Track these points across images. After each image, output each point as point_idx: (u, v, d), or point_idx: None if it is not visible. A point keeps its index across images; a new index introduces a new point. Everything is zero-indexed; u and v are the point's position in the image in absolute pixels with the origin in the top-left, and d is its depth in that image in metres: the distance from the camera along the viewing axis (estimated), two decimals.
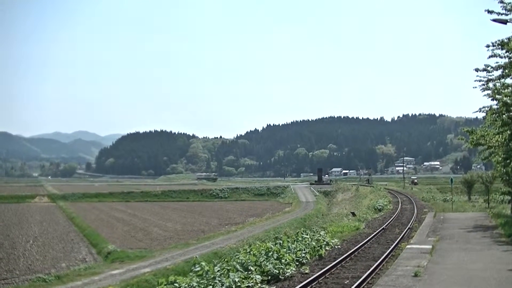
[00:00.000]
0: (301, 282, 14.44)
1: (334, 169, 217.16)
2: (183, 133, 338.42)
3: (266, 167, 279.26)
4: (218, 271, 15.31)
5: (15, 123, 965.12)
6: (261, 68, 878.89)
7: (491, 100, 23.80)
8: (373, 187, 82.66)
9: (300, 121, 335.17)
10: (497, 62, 22.55)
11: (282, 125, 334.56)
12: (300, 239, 22.08)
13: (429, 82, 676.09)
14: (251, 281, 14.69)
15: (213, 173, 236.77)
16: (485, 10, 20.53)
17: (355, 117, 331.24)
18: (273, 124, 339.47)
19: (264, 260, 16.69)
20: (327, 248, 21.30)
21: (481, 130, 26.65)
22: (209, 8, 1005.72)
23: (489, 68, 23.09)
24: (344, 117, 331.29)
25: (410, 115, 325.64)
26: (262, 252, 17.82)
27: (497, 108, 23.86)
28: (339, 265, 17.30)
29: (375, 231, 26.69)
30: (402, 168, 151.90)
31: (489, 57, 22.27)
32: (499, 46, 21.68)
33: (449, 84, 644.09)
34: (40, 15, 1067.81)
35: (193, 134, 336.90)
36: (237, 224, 40.36)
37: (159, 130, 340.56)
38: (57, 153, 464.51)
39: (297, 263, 17.85)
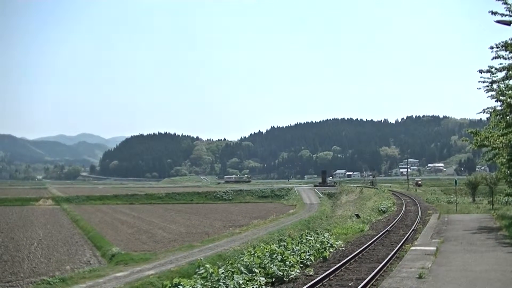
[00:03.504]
0: (306, 284, 14.44)
1: (338, 171, 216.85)
2: (187, 135, 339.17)
3: (270, 169, 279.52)
4: (223, 273, 15.31)
5: (19, 126, 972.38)
6: (265, 70, 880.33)
7: (495, 101, 23.81)
8: (377, 189, 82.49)
9: (304, 123, 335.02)
10: (501, 64, 22.52)
11: (286, 127, 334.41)
12: (304, 241, 22.08)
13: (433, 83, 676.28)
14: (256, 283, 14.71)
15: (246, 175, 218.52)
16: (489, 12, 20.48)
17: (359, 119, 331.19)
18: (277, 126, 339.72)
19: (268, 262, 16.69)
20: (331, 250, 21.31)
21: (485, 132, 26.57)
22: (213, 11, 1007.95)
23: (493, 70, 23.05)
24: (348, 119, 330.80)
25: (414, 116, 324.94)
26: (266, 254, 17.82)
27: (501, 110, 23.85)
28: (343, 267, 17.29)
29: (379, 233, 26.65)
30: (406, 169, 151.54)
31: (493, 58, 22.23)
32: (503, 48, 21.65)
33: (453, 86, 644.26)
34: (45, 18, 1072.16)
35: (197, 136, 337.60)
36: (241, 226, 40.32)
37: (163, 132, 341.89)
38: (61, 156, 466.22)
39: (301, 265, 17.85)
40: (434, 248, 17.67)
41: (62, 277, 20.35)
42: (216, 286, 14.19)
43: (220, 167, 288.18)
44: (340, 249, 22.05)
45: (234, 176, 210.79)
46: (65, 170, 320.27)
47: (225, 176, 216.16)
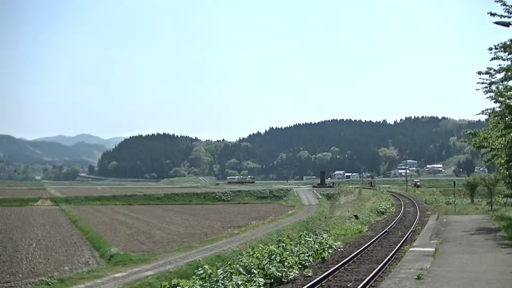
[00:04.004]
0: (304, 285, 14.43)
1: (336, 172, 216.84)
2: (186, 136, 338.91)
3: (269, 170, 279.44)
4: (221, 274, 15.31)
5: (18, 127, 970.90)
6: (264, 71, 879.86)
7: (494, 102, 23.82)
8: (375, 190, 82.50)
9: (303, 124, 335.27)
10: (499, 65, 22.55)
11: (285, 128, 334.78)
12: (303, 242, 22.06)
13: (432, 84, 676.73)
14: (254, 284, 14.70)
15: (249, 176, 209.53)
16: (488, 13, 20.50)
17: (357, 120, 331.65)
18: (276, 127, 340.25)
19: (267, 263, 16.68)
20: (330, 251, 21.28)
21: (484, 133, 26.62)
22: (213, 11, 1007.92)
23: (491, 71, 23.08)
24: (346, 119, 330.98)
25: (412, 117, 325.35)
26: (265, 255, 17.81)
27: (500, 111, 23.87)
28: (342, 268, 17.28)
29: (378, 234, 26.63)
30: (404, 170, 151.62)
31: (492, 59, 22.28)
32: (502, 49, 21.67)
33: (452, 87, 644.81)
34: (44, 18, 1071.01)
35: (195, 137, 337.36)
36: (240, 227, 40.33)
37: (161, 133, 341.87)
38: (60, 156, 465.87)
39: (300, 266, 17.83)
40: (433, 249, 17.67)
41: (61, 277, 20.37)
42: (215, 287, 14.18)
43: (219, 168, 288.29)
44: (339, 250, 22.03)
45: (237, 177, 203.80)
46: (64, 170, 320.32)
47: (228, 177, 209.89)
